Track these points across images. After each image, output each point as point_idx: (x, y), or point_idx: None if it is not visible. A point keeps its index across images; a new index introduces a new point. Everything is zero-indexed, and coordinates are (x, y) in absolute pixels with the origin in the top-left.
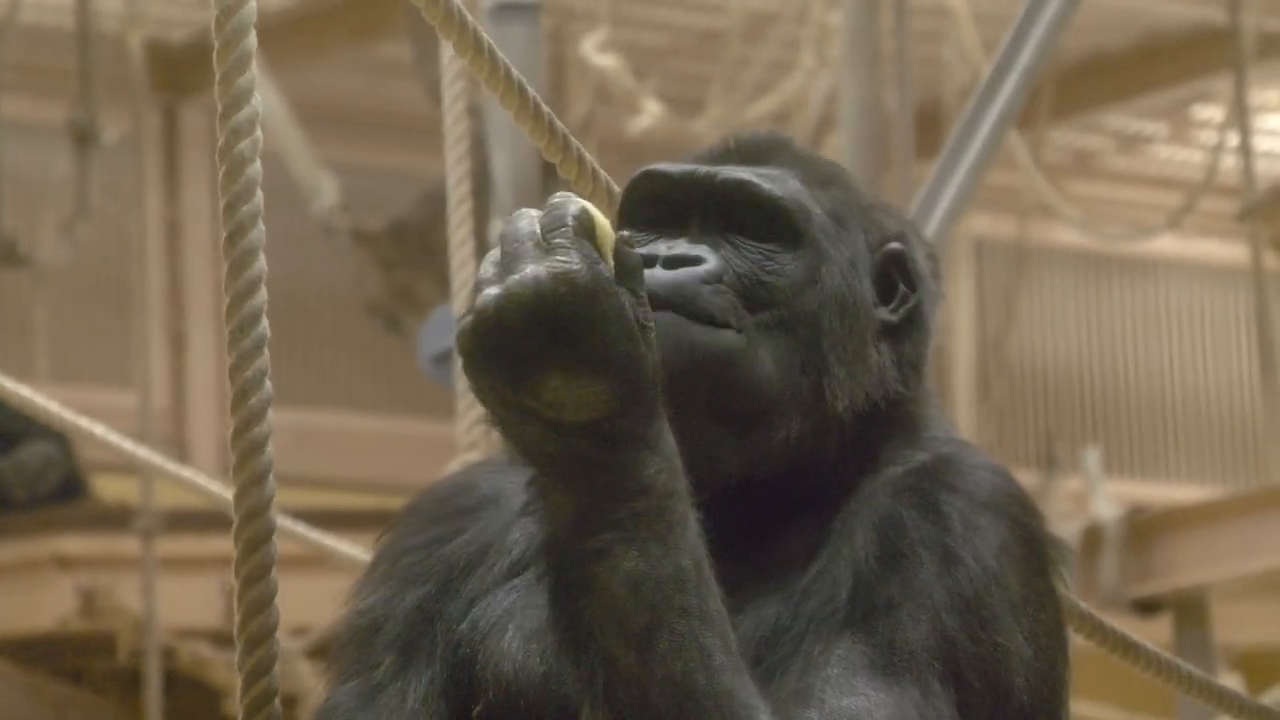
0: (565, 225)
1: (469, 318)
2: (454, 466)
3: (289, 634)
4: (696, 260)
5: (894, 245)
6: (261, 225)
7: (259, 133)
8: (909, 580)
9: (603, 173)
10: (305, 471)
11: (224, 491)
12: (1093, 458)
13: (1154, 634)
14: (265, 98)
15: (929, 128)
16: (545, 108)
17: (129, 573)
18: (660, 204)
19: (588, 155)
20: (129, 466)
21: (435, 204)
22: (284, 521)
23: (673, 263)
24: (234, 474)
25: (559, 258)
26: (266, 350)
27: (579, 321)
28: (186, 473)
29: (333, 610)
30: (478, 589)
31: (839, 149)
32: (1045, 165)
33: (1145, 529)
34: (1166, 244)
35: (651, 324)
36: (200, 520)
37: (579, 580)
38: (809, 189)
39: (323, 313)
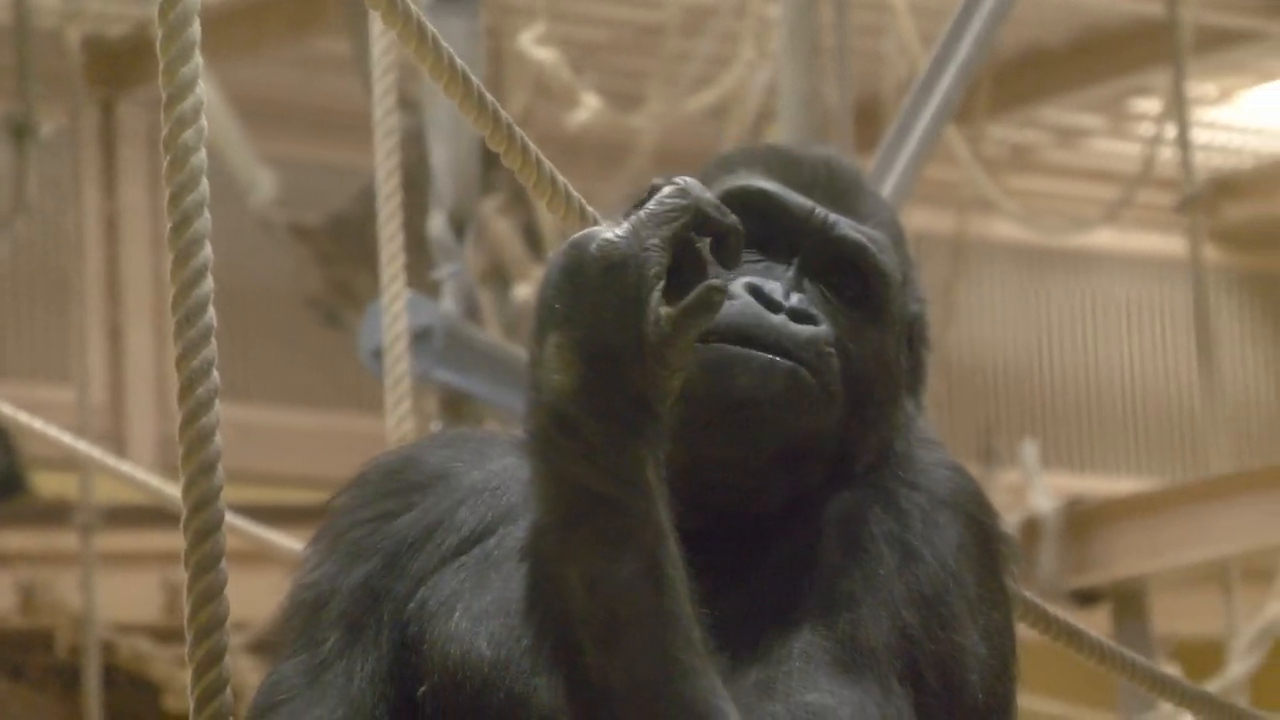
0: (643, 207)
1: None
2: None
3: (229, 629)
4: (813, 320)
5: (917, 309)
6: (207, 214)
7: (204, 122)
8: (870, 575)
9: (547, 162)
10: (246, 467)
11: (163, 486)
12: (1031, 450)
13: (1093, 625)
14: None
15: (868, 121)
16: (489, 96)
17: (68, 568)
18: (766, 225)
19: (531, 144)
20: (68, 462)
21: (373, 198)
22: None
23: (796, 316)
24: (181, 464)
25: (615, 228)
26: (214, 340)
27: (588, 292)
28: (126, 467)
29: (273, 606)
30: (426, 567)
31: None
32: (983, 159)
33: (1083, 520)
34: (1105, 237)
35: (674, 352)
36: (139, 516)
37: (549, 577)
38: (895, 252)
39: (261, 308)
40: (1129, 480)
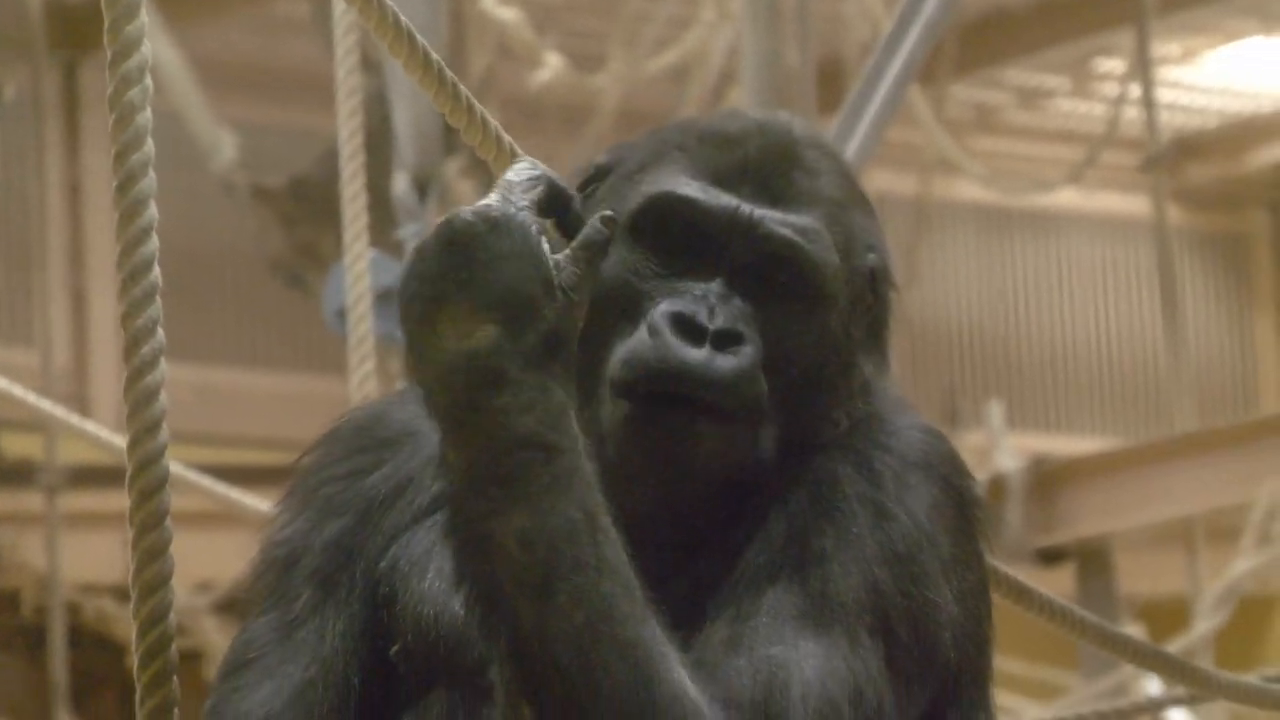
0: (505, 180)
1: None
2: None
3: (193, 589)
4: (738, 338)
5: (872, 258)
6: (152, 173)
7: (149, 80)
8: (842, 533)
9: (493, 121)
10: (207, 429)
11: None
12: (996, 411)
13: (1057, 584)
14: (164, 55)
15: (830, 83)
16: (435, 56)
17: (33, 529)
18: (690, 230)
19: (476, 102)
20: (32, 423)
21: (336, 160)
22: (188, 474)
23: (720, 339)
24: (127, 422)
25: (485, 201)
26: (159, 299)
27: (479, 251)
28: (90, 426)
29: (236, 565)
30: (397, 524)
31: (740, 105)
32: (947, 121)
33: (1048, 480)
34: (1069, 198)
35: (573, 293)
36: (103, 476)
37: (477, 539)
38: (830, 230)
39: (224, 270)
40: (1093, 440)
